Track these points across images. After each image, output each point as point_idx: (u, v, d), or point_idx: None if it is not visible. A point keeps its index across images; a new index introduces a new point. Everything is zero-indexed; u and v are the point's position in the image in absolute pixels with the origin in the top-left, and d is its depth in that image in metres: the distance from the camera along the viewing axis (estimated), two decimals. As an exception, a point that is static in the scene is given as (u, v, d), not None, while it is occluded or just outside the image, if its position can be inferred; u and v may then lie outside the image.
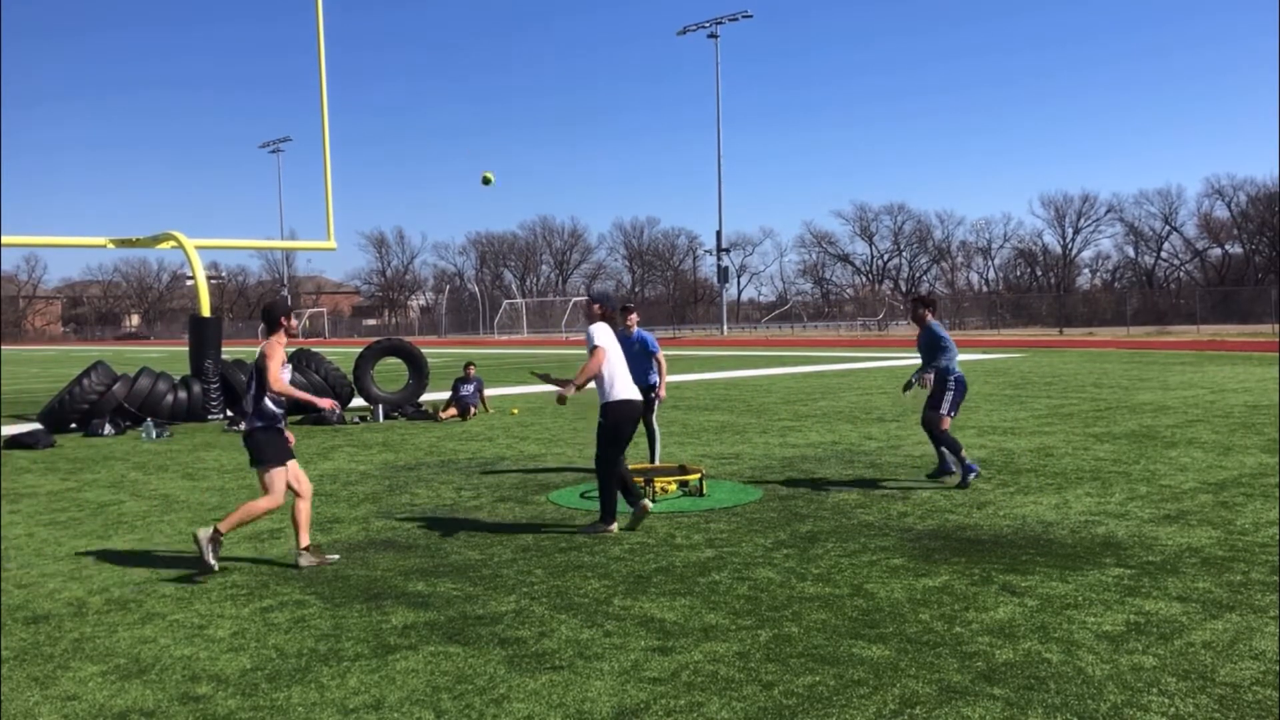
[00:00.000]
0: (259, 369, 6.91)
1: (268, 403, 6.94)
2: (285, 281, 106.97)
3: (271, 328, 7.07)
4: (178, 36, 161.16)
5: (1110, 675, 4.57)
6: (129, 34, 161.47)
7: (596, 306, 8.15)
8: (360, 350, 18.29)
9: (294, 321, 7.46)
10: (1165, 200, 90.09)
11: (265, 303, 8.04)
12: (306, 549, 6.96)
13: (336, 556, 7.08)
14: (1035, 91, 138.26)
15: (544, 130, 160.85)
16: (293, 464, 7.08)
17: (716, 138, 71.33)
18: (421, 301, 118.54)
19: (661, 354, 10.46)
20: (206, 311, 18.37)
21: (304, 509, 7.02)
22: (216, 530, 6.72)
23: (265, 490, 6.90)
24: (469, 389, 16.90)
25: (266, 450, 6.90)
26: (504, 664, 4.91)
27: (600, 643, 5.17)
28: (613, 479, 7.75)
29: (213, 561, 6.61)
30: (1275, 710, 4.18)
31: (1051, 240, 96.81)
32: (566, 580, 6.37)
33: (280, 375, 6.89)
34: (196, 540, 6.64)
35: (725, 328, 72.29)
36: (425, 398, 18.02)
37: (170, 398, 16.56)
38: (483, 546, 7.34)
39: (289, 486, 7.00)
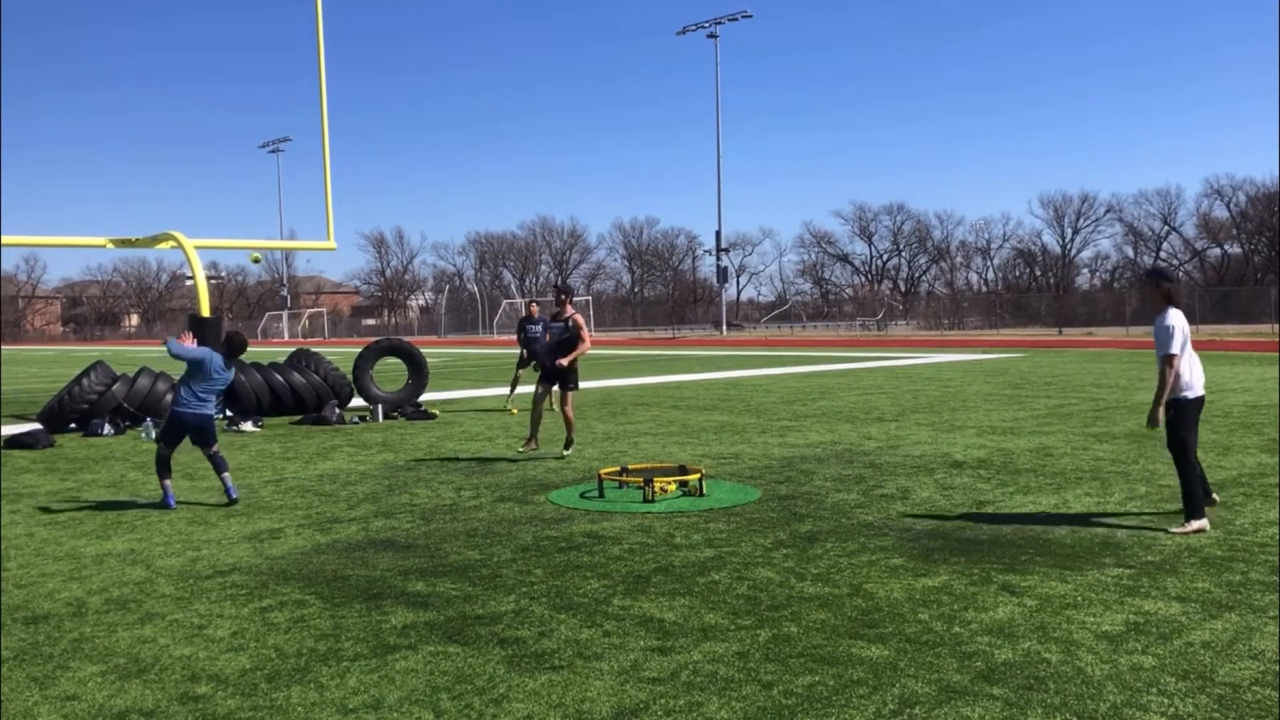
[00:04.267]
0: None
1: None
2: (285, 281, 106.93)
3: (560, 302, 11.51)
4: (178, 35, 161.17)
5: (1110, 675, 4.57)
6: (129, 32, 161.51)
7: (1166, 286, 7.60)
8: (360, 350, 18.29)
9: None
10: (1164, 200, 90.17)
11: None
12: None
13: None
14: (1035, 92, 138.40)
15: (544, 130, 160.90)
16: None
17: (716, 138, 71.39)
18: (421, 301, 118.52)
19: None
20: (206, 311, 18.37)
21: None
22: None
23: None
24: (538, 330, 16.05)
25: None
26: (503, 664, 4.91)
27: (600, 643, 5.17)
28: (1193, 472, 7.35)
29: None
30: (1275, 710, 4.18)
31: (1051, 240, 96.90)
32: (566, 580, 6.37)
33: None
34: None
35: (725, 328, 72.30)
36: (427, 397, 18.02)
37: (170, 398, 16.55)
38: (483, 546, 7.35)
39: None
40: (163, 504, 9.13)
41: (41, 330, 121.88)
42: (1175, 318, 7.38)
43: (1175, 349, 7.28)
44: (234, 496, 9.25)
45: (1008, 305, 74.09)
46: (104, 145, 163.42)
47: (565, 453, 11.67)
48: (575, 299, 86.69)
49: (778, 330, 76.91)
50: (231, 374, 9.38)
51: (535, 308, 17.43)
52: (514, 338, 21.53)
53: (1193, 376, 7.40)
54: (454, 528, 8.01)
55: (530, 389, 17.69)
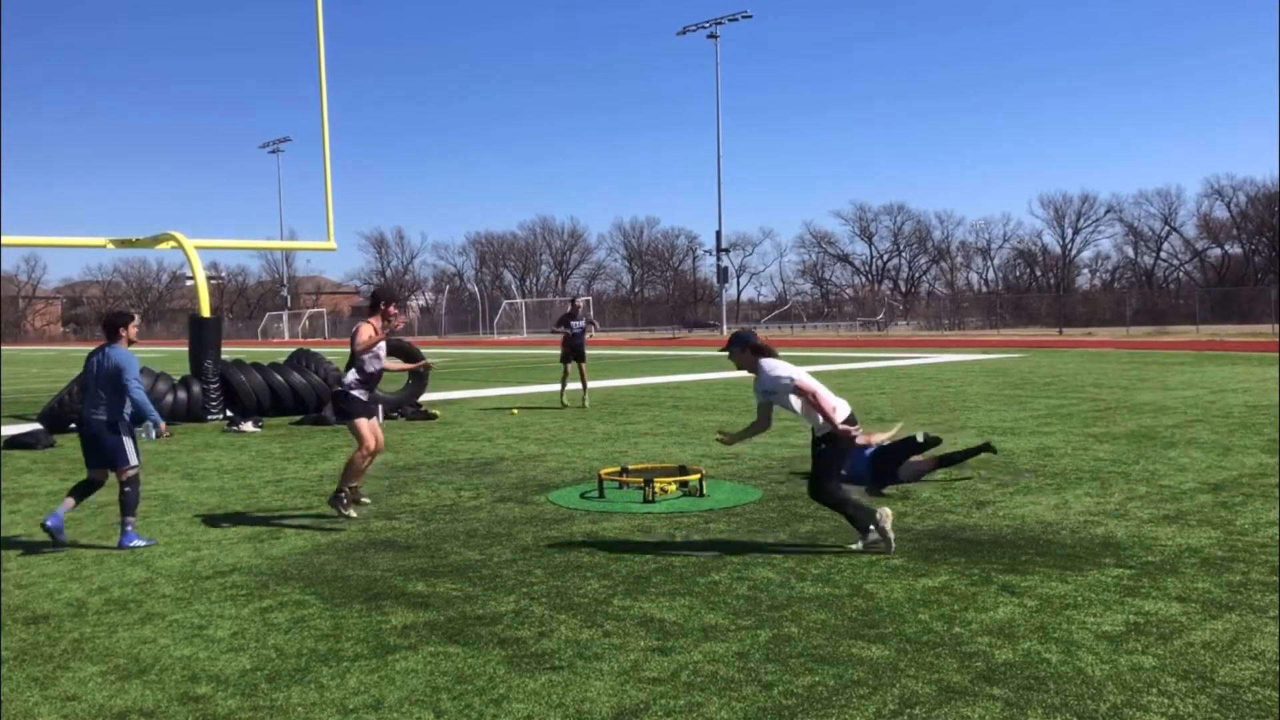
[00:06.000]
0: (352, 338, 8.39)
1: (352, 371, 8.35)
2: (285, 281, 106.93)
3: (373, 310, 8.53)
4: (177, 35, 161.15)
5: (1110, 675, 4.57)
6: (128, 31, 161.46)
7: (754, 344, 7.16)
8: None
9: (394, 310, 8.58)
10: (1165, 200, 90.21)
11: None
12: (340, 493, 8.32)
13: (354, 515, 8.35)
14: (1035, 92, 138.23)
15: (544, 130, 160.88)
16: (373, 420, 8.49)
17: (716, 138, 71.35)
18: (421, 301, 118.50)
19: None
20: (206, 312, 18.35)
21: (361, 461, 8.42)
22: (337, 492, 8.34)
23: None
24: (579, 325, 17.34)
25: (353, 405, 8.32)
26: (504, 664, 4.91)
27: (600, 643, 5.17)
28: None
29: (352, 514, 8.31)
30: (1275, 710, 4.18)
31: (1051, 240, 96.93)
32: (566, 580, 6.37)
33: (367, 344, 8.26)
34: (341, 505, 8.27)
35: (725, 328, 72.33)
36: (427, 397, 18.02)
37: (170, 398, 16.55)
38: (483, 546, 7.35)
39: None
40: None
41: (42, 330, 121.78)
42: (773, 366, 7.07)
43: (798, 377, 7.00)
44: (124, 545, 7.49)
45: (1008, 305, 74.06)
46: (104, 145, 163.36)
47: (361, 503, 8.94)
48: (580, 299, 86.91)
49: (778, 330, 76.93)
50: (109, 362, 7.50)
51: (581, 303, 17.76)
52: (514, 338, 21.70)
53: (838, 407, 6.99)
54: (454, 528, 8.01)
55: (575, 386, 17.71)
